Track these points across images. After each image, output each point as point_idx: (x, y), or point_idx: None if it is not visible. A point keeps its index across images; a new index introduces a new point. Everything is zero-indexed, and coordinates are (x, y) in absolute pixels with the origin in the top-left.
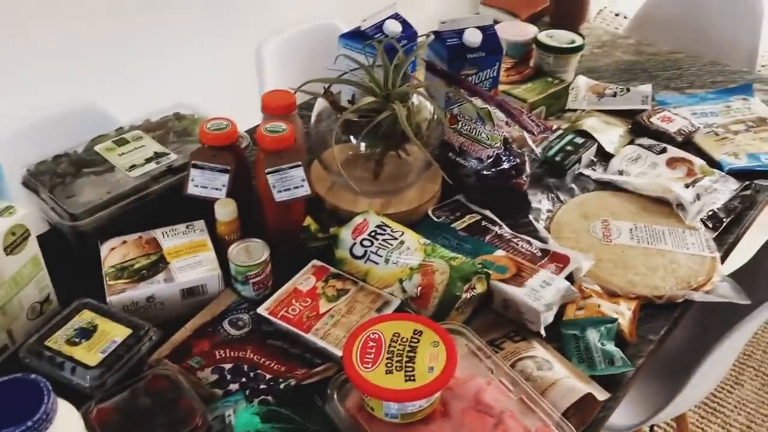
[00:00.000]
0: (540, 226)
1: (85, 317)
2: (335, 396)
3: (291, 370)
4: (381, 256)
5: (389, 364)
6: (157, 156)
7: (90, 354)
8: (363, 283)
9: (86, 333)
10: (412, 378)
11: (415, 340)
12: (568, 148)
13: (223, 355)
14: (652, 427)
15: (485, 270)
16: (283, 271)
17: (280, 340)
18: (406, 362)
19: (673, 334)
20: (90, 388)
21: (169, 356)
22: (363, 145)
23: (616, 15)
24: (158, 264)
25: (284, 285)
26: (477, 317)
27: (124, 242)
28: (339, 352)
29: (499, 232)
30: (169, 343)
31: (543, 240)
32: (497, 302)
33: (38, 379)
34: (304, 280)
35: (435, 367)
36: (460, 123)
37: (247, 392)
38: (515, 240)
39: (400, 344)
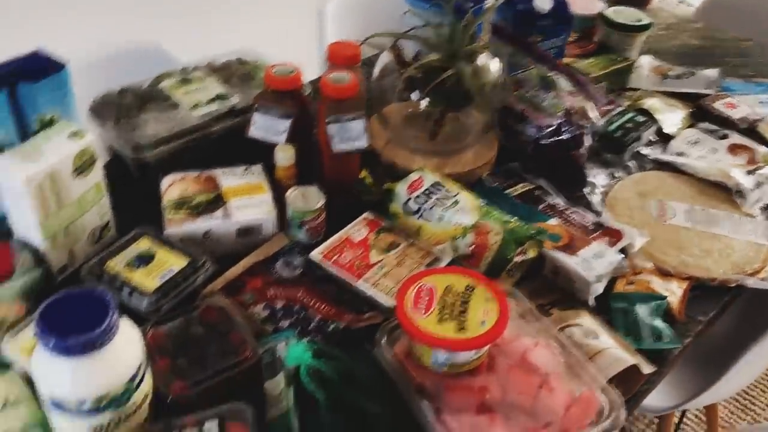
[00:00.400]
0: (594, 200)
1: (144, 245)
2: (384, 341)
3: (339, 314)
4: (435, 214)
5: (441, 314)
6: (220, 97)
7: (148, 280)
8: (414, 238)
9: (145, 260)
10: (464, 329)
11: (468, 295)
12: (629, 125)
13: (275, 294)
14: (683, 413)
15: (539, 235)
16: (336, 219)
17: (330, 285)
18: (459, 314)
19: (720, 319)
20: (146, 312)
21: (222, 290)
22: (424, 103)
23: (680, 2)
24: (216, 202)
25: (337, 233)
26: (525, 282)
27: (184, 178)
28: (387, 302)
29: (552, 202)
30: (223, 278)
31: (597, 214)
32: (547, 269)
33: (105, 292)
34: (357, 230)
35: (487, 321)
36: (524, 89)
37: (297, 331)
38: (568, 211)
39: (452, 296)
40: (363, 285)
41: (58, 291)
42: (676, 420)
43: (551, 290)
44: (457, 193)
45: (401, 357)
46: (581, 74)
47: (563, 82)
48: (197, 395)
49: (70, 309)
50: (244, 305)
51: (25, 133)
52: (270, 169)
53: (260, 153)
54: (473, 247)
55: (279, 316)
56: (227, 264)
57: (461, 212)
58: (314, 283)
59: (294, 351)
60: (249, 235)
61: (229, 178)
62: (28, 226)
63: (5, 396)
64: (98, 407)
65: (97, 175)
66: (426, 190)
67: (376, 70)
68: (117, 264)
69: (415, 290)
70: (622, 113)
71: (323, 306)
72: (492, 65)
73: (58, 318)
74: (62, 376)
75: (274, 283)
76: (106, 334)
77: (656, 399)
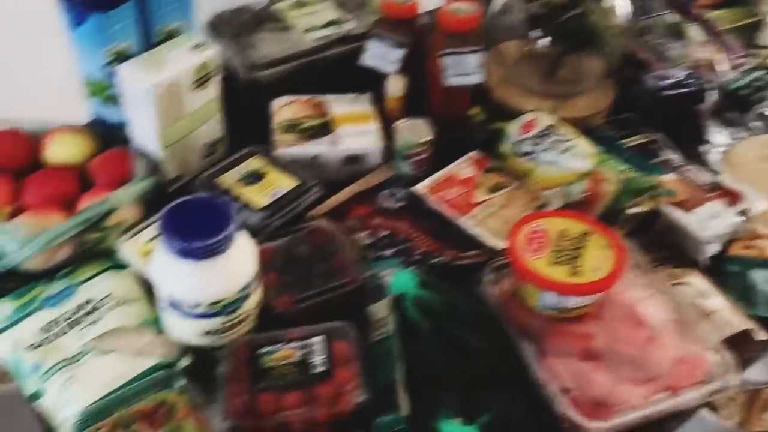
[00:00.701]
0: (712, 159)
1: (255, 163)
2: (488, 280)
3: (442, 249)
4: (547, 157)
5: (555, 257)
6: (334, 23)
7: (258, 197)
8: (523, 181)
9: (256, 177)
10: (577, 274)
11: (584, 240)
12: (757, 83)
13: (379, 223)
14: None
15: (655, 189)
16: (442, 155)
17: (433, 220)
18: (573, 258)
19: None
20: (255, 227)
21: (328, 214)
22: (543, 42)
23: None
24: (325, 127)
25: (443, 169)
26: (634, 237)
27: (294, 101)
28: (490, 242)
29: (667, 157)
30: (328, 203)
31: (714, 173)
32: (659, 225)
33: (226, 201)
34: (463, 168)
35: (602, 268)
36: (649, 36)
37: (401, 260)
38: (684, 168)
39: (567, 241)
40: (467, 223)
41: (170, 200)
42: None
43: (661, 247)
44: (573, 138)
45: (506, 297)
46: (716, 25)
47: (694, 32)
48: (301, 311)
49: (193, 214)
50: (349, 231)
51: (148, 44)
52: (378, 99)
53: (369, 82)
54: (585, 195)
55: (382, 244)
56: (332, 190)
57: (576, 158)
58: (417, 216)
59: (400, 279)
60: (354, 163)
61: (338, 105)
62: (146, 135)
63: (122, 293)
64: (212, 312)
65: (214, 89)
66: (540, 132)
67: (498, 4)
68: (229, 179)
69: (529, 230)
70: (750, 71)
71: (425, 240)
72: (620, 7)
73: (181, 222)
74: (181, 279)
75: (378, 213)
76: (226, 242)
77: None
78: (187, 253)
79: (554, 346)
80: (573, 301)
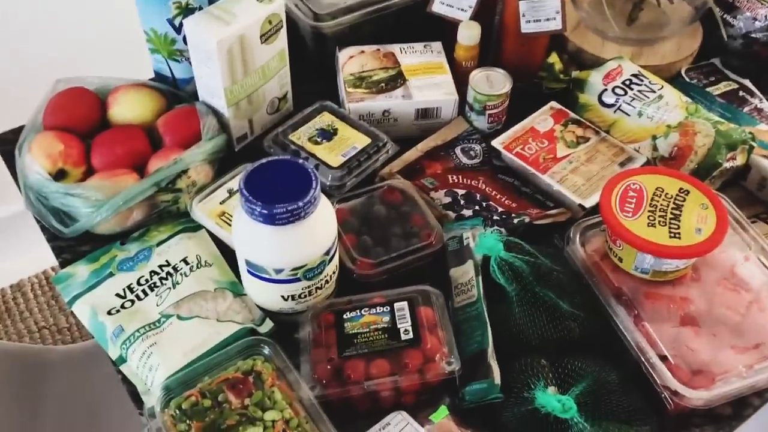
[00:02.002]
0: None
1: (326, 119)
2: (576, 240)
3: (522, 207)
4: (634, 108)
5: (652, 218)
6: None
7: (331, 155)
8: (606, 133)
9: (327, 135)
10: (677, 235)
11: (681, 199)
12: None
13: (456, 180)
14: None
15: (751, 140)
16: (518, 108)
17: (512, 176)
18: (671, 219)
19: None
20: (330, 187)
21: (401, 172)
22: None
23: None
24: (396, 79)
25: (519, 122)
26: (727, 191)
27: (362, 52)
28: (575, 199)
29: (759, 105)
30: (401, 160)
31: None
32: (752, 179)
33: (307, 164)
34: (542, 120)
35: (703, 229)
36: None
37: (483, 221)
38: None
39: (664, 200)
40: (549, 180)
41: (239, 159)
42: None
43: (752, 202)
44: (662, 87)
45: (596, 258)
46: None
47: None
48: (381, 275)
49: (273, 177)
50: (425, 189)
51: None
52: (450, 49)
53: (438, 31)
54: (676, 148)
55: (461, 204)
56: (404, 147)
57: (665, 109)
58: (495, 173)
59: (485, 241)
60: (427, 118)
61: (408, 56)
62: (213, 91)
63: (198, 256)
64: (294, 277)
65: (282, 41)
66: (625, 81)
67: None
68: (300, 136)
69: (622, 189)
70: None
71: (504, 198)
72: None
73: (262, 186)
74: (263, 244)
75: (454, 169)
76: (309, 206)
77: None
78: (271, 219)
79: (650, 310)
80: (671, 264)
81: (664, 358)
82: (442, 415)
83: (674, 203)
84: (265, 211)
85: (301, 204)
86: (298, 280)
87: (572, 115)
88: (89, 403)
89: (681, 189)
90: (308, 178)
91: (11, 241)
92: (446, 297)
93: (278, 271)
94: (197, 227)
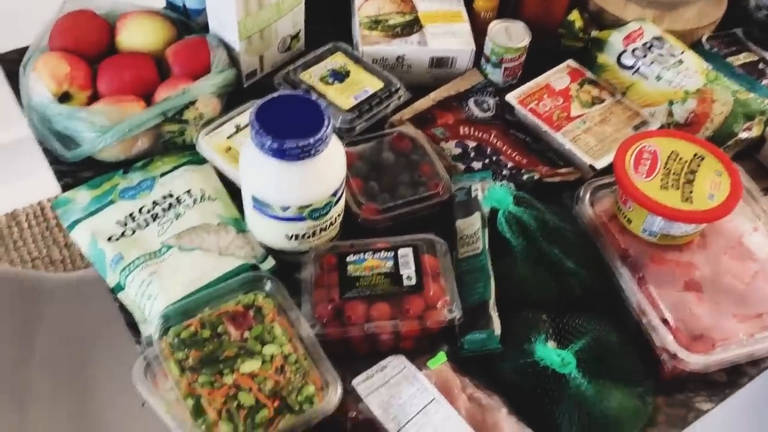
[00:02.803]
0: None
1: (338, 60)
2: (587, 199)
3: (532, 164)
4: (653, 71)
5: (665, 181)
6: None
7: (342, 97)
8: (622, 96)
9: (339, 76)
10: (689, 200)
11: (696, 164)
12: None
13: (467, 132)
14: None
15: None
16: (531, 64)
17: (524, 133)
18: (684, 183)
19: None
20: (340, 129)
21: (412, 120)
22: None
23: None
24: (413, 25)
25: (534, 78)
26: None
27: None
28: (586, 159)
29: None
30: (413, 108)
31: None
32: (765, 152)
33: (319, 101)
34: (558, 78)
35: (716, 196)
36: None
37: (492, 174)
38: None
39: (678, 164)
40: (562, 138)
41: (247, 95)
42: None
43: (764, 176)
44: (683, 52)
45: (604, 219)
46: None
47: None
48: (386, 221)
49: (285, 112)
50: (435, 139)
51: None
52: None
53: None
54: (692, 115)
55: (471, 156)
56: (417, 94)
57: (685, 74)
58: (507, 128)
59: (496, 193)
60: (442, 66)
61: (426, 2)
62: (225, 24)
63: (202, 189)
64: (300, 215)
65: None
66: (646, 43)
67: None
68: (312, 76)
69: (637, 150)
70: None
71: (515, 153)
72: None
73: (273, 120)
74: (271, 179)
75: (466, 121)
76: (320, 144)
77: None
78: (281, 154)
79: (655, 274)
80: (681, 229)
81: (665, 322)
82: (440, 360)
83: (689, 168)
84: (275, 145)
85: (312, 141)
86: (304, 219)
87: (589, 74)
88: (83, 332)
89: (696, 154)
90: (321, 116)
91: (6, 168)
92: (450, 248)
93: (284, 209)
94: (202, 161)
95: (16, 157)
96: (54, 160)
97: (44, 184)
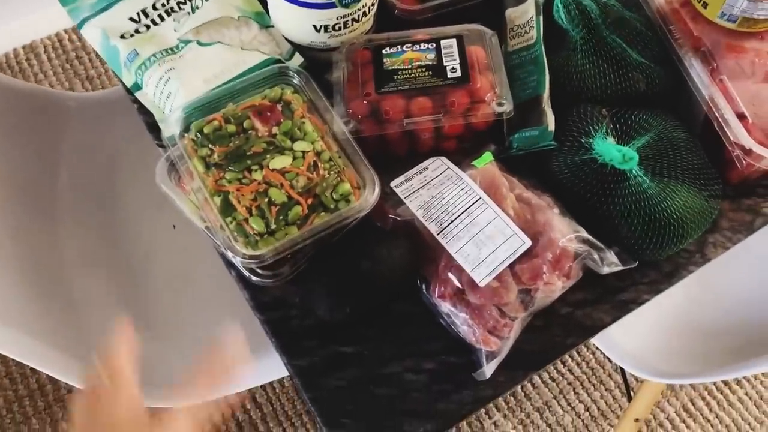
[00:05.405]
0: None
1: None
2: None
3: None
4: None
5: None
6: None
7: None
8: None
9: None
10: None
11: None
12: None
13: None
14: None
15: None
16: None
17: None
18: None
19: None
20: None
21: None
22: None
23: None
24: None
25: None
26: None
27: None
28: None
29: None
30: None
31: None
32: None
33: None
34: None
35: None
36: None
37: None
38: None
39: None
40: None
41: None
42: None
43: None
44: None
45: (675, 5)
46: None
47: None
48: (426, 11)
49: None
50: None
51: None
52: None
53: None
54: None
55: None
56: None
57: None
58: None
59: None
60: None
61: None
62: None
63: None
64: (329, 0)
65: None
66: None
67: None
68: None
69: None
70: None
71: None
72: None
73: None
74: None
75: None
76: None
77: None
78: None
79: (731, 64)
80: (766, 10)
81: (741, 116)
82: (486, 160)
83: None
84: None
85: None
86: (333, 5)
87: None
88: (110, 149)
89: None
90: None
91: None
92: (500, 40)
93: None
94: None
95: None
96: None
97: (61, 14)
